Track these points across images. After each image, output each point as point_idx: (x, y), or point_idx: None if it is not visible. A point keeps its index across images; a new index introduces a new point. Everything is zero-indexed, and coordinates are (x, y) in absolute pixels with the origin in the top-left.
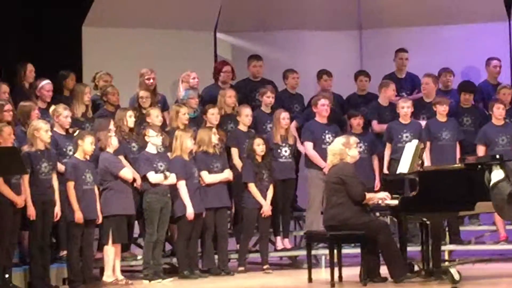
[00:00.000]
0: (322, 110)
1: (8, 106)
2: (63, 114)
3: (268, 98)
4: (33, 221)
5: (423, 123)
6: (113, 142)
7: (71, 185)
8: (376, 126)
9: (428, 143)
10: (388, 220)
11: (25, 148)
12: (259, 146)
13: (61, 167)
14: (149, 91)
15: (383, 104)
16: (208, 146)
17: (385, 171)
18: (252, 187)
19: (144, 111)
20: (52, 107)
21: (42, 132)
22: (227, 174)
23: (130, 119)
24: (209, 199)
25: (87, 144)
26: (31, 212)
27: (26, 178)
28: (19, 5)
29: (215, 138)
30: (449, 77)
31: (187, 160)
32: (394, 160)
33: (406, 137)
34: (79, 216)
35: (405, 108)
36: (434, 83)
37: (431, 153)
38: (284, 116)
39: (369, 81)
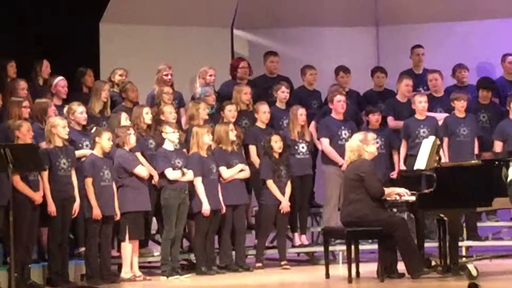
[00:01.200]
0: (338, 106)
1: (26, 103)
2: (78, 110)
3: (282, 94)
4: (53, 217)
5: (441, 115)
6: (131, 141)
7: (89, 181)
8: (391, 122)
9: (446, 139)
10: (406, 216)
11: (43, 145)
12: (277, 143)
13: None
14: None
15: (401, 100)
16: (226, 142)
17: (402, 167)
18: (270, 183)
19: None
20: (66, 106)
21: (59, 128)
22: (243, 166)
23: (147, 116)
24: (228, 195)
25: (104, 141)
26: (52, 208)
27: (45, 174)
28: (36, 2)
29: (232, 135)
30: (464, 72)
31: (205, 156)
32: (411, 156)
33: (423, 132)
34: (97, 213)
35: (422, 103)
36: (441, 77)
37: (449, 149)
38: (301, 112)
39: (385, 77)
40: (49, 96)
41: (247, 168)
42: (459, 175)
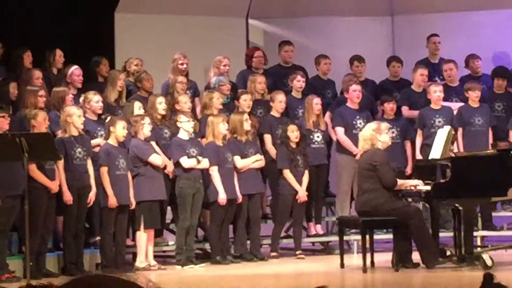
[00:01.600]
0: (353, 95)
1: (42, 92)
2: (94, 99)
3: (298, 83)
4: (68, 206)
5: (456, 105)
6: (145, 130)
7: (104, 170)
8: (406, 111)
9: (460, 129)
10: (420, 206)
11: (59, 133)
12: (293, 133)
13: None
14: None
15: (416, 90)
16: (240, 132)
17: (418, 156)
18: (287, 173)
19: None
20: (82, 95)
21: (75, 117)
22: (258, 156)
23: (160, 106)
24: (243, 185)
25: (119, 130)
26: (67, 197)
27: (60, 164)
28: None
29: (247, 124)
30: (477, 62)
31: (220, 145)
32: (427, 146)
33: (439, 122)
34: (112, 202)
35: (437, 92)
36: (456, 67)
37: (463, 139)
38: (316, 101)
39: (401, 67)
40: (64, 85)
41: (262, 157)
42: (475, 164)
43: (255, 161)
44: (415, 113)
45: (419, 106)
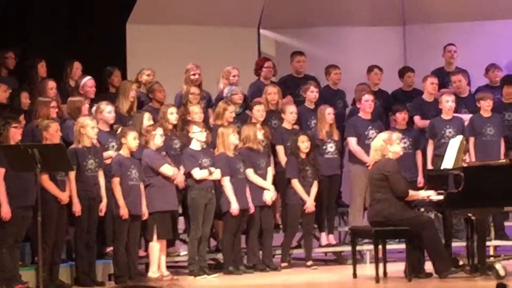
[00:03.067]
0: (366, 105)
1: (54, 103)
2: (106, 109)
3: (312, 93)
4: (79, 217)
5: (466, 116)
6: (156, 141)
7: (116, 181)
8: (418, 121)
9: (472, 139)
10: (433, 216)
11: (73, 144)
12: (304, 143)
13: (107, 155)
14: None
15: (427, 99)
16: (253, 142)
17: (429, 167)
18: (295, 183)
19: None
20: (95, 106)
21: (88, 128)
22: (270, 186)
23: (172, 116)
24: (255, 195)
25: (130, 140)
26: (77, 208)
27: (72, 174)
28: (64, 3)
29: (260, 135)
30: (497, 72)
31: (231, 156)
32: (438, 156)
33: (449, 132)
34: (124, 212)
35: (449, 102)
36: (464, 78)
37: (475, 148)
38: (329, 111)
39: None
40: (78, 95)
41: (273, 190)
42: (487, 174)
43: (266, 187)
44: (427, 122)
45: (430, 115)
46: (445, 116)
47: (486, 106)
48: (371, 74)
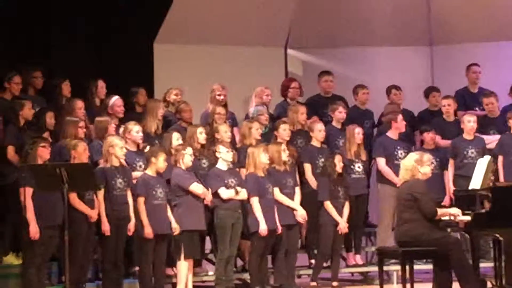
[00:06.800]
0: (402, 125)
1: (82, 123)
2: (134, 129)
3: (340, 114)
4: (107, 236)
5: (495, 137)
6: (186, 161)
7: (141, 200)
8: (440, 141)
9: (501, 158)
10: (458, 236)
11: (101, 163)
12: (340, 163)
13: (134, 175)
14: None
15: (447, 119)
16: (278, 162)
17: (451, 187)
18: (328, 205)
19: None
20: (122, 126)
21: (117, 148)
22: (297, 206)
23: (201, 136)
24: (282, 215)
25: (160, 161)
26: (106, 227)
27: (100, 194)
28: (90, 22)
29: (285, 155)
30: None
31: (261, 176)
32: (459, 177)
33: (472, 153)
34: (148, 231)
35: (471, 122)
36: (496, 100)
37: (504, 168)
38: (358, 131)
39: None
40: (106, 115)
41: (301, 211)
42: None
43: (293, 206)
44: (449, 142)
45: (451, 136)
46: (467, 136)
47: None
48: (390, 95)
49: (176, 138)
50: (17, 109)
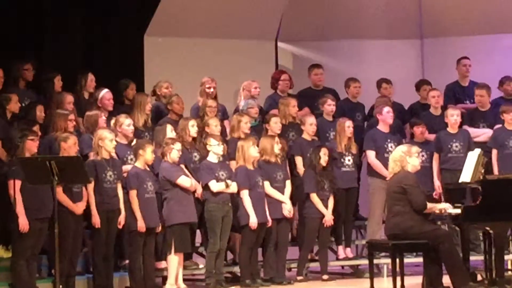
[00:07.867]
0: (387, 117)
1: (72, 116)
2: (125, 123)
3: (329, 107)
4: (97, 229)
5: (482, 130)
6: (172, 155)
7: (134, 193)
8: (427, 135)
9: (495, 151)
10: (446, 228)
11: (91, 156)
12: (325, 156)
13: (125, 168)
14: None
15: (434, 113)
16: (270, 155)
17: (436, 181)
18: (314, 197)
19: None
20: (113, 119)
21: (107, 141)
22: (286, 200)
23: (192, 129)
24: (272, 208)
25: (148, 154)
26: (96, 220)
27: (90, 186)
28: (81, 15)
29: (277, 148)
30: None
31: (251, 169)
32: (445, 170)
33: (456, 147)
34: (141, 225)
35: (454, 116)
36: (488, 93)
37: (497, 161)
38: (348, 124)
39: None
40: (95, 108)
41: (290, 205)
42: (505, 187)
43: (283, 200)
44: (434, 136)
45: (438, 129)
46: (451, 130)
47: (510, 119)
48: (381, 89)
49: (170, 130)
50: (4, 103)
